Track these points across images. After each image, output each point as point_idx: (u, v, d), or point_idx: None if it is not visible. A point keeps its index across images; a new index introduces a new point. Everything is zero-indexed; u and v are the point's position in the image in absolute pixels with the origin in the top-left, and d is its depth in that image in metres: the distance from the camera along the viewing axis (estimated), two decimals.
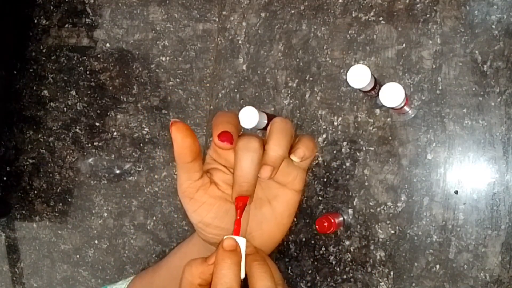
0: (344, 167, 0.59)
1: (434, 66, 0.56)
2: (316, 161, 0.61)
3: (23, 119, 0.80)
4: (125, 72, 0.73)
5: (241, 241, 0.30)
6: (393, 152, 0.57)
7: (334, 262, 0.59)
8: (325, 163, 0.60)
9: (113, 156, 0.74)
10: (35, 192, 0.79)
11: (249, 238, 0.33)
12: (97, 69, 0.75)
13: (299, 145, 0.33)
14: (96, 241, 0.74)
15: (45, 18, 0.79)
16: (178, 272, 0.32)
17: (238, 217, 0.31)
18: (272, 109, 0.63)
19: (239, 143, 0.30)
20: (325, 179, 0.60)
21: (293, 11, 0.63)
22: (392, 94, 0.48)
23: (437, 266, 0.55)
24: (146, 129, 0.72)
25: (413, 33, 0.57)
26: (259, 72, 0.65)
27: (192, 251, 0.40)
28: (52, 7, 0.79)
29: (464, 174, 0.54)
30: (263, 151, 0.30)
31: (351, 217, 0.58)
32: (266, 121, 0.56)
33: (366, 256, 0.58)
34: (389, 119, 0.58)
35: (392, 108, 0.51)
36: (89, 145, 0.75)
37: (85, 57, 0.76)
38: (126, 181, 0.73)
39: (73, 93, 0.77)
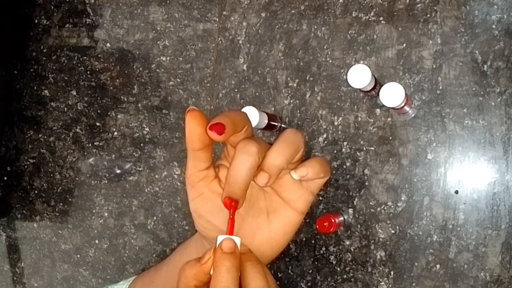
0: (345, 167, 0.59)
1: (434, 66, 0.56)
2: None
3: (24, 119, 0.80)
4: (126, 72, 0.73)
5: (236, 240, 0.30)
6: (394, 152, 0.57)
7: (334, 262, 0.59)
8: None
9: (113, 156, 0.74)
10: (36, 192, 0.79)
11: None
12: (97, 69, 0.75)
13: (304, 164, 0.32)
14: (96, 241, 0.75)
15: (46, 18, 0.79)
16: (178, 270, 0.32)
17: (231, 217, 0.30)
18: (273, 109, 0.64)
19: (238, 144, 0.30)
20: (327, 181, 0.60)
21: (293, 11, 0.63)
22: (392, 94, 0.48)
23: (438, 266, 0.55)
24: (147, 129, 0.72)
25: (413, 33, 0.57)
26: (259, 72, 0.65)
27: (192, 248, 0.40)
28: (52, 7, 0.79)
29: (464, 174, 0.54)
30: (262, 157, 0.30)
31: (351, 217, 0.58)
32: (266, 121, 0.56)
33: (366, 256, 0.58)
34: (389, 119, 0.58)
35: (393, 108, 0.51)
36: (90, 145, 0.75)
37: (85, 57, 0.76)
38: (126, 181, 0.73)
39: (74, 93, 0.77)
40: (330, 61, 0.61)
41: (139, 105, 0.72)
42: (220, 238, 0.30)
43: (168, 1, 0.72)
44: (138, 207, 0.72)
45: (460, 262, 0.54)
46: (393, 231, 0.57)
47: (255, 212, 0.34)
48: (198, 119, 0.28)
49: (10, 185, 0.81)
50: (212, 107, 0.68)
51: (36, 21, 0.80)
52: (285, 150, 0.30)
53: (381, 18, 0.59)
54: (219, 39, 0.68)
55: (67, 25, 0.78)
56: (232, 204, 0.30)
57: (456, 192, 0.55)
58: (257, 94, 0.65)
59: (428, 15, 0.57)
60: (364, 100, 0.59)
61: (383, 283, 0.57)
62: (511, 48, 0.53)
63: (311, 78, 0.62)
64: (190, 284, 0.30)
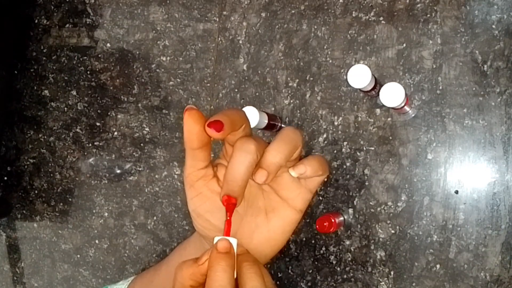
0: (345, 167, 0.59)
1: (434, 66, 0.56)
2: None
3: (24, 119, 0.80)
4: (126, 72, 0.73)
5: (233, 242, 0.30)
6: (394, 152, 0.57)
7: (334, 262, 0.59)
8: None
9: (113, 156, 0.74)
10: (36, 192, 0.79)
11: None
12: (97, 69, 0.75)
13: (303, 162, 0.32)
14: (96, 241, 0.75)
15: (46, 18, 0.79)
16: None
17: (228, 218, 0.30)
18: (273, 109, 0.64)
19: (236, 142, 0.30)
20: (325, 179, 0.60)
21: (293, 11, 0.63)
22: (392, 94, 0.48)
23: (438, 266, 0.55)
24: (147, 129, 0.72)
25: (413, 33, 0.57)
26: (259, 72, 0.65)
27: (191, 248, 0.40)
28: (52, 7, 0.79)
29: (464, 174, 0.54)
30: (260, 155, 0.30)
31: (351, 216, 0.58)
32: (266, 121, 0.56)
33: (366, 256, 0.58)
34: (389, 119, 0.58)
35: (393, 108, 0.51)
36: (90, 145, 0.75)
37: (85, 57, 0.76)
38: (126, 181, 0.73)
39: (74, 93, 0.77)
40: (330, 61, 0.61)
41: (139, 105, 0.72)
42: (216, 239, 0.30)
43: (168, 1, 0.72)
44: (138, 207, 0.72)
45: (460, 262, 0.54)
46: (393, 231, 0.57)
47: (253, 211, 0.34)
48: (196, 118, 0.29)
49: (10, 185, 0.81)
50: (212, 107, 0.68)
51: (36, 21, 0.80)
52: (283, 147, 0.31)
53: (381, 18, 0.59)
54: (219, 39, 0.68)
55: (67, 25, 0.78)
56: (231, 202, 0.30)
57: (456, 192, 0.55)
58: (257, 94, 0.65)
59: (428, 15, 0.57)
60: (364, 100, 0.59)
61: (383, 283, 0.57)
62: (511, 48, 0.53)
63: (311, 78, 0.62)
64: (186, 284, 0.30)
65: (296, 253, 0.61)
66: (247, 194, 0.34)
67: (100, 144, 0.75)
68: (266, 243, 0.34)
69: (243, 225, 0.34)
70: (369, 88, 0.50)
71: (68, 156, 0.77)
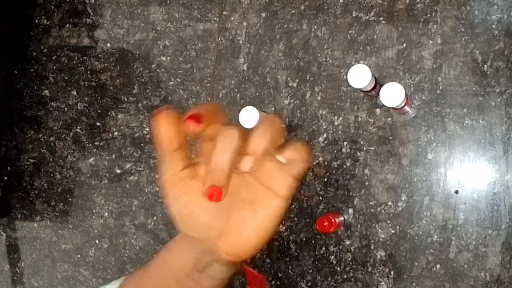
0: (345, 166, 0.59)
1: (434, 66, 0.56)
2: (317, 161, 0.61)
3: (24, 119, 0.80)
4: (126, 72, 0.73)
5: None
6: (394, 152, 0.57)
7: (334, 262, 0.59)
8: (326, 163, 0.60)
9: (113, 156, 0.74)
10: (36, 191, 0.79)
11: (225, 239, 0.33)
12: (97, 69, 0.75)
13: (289, 147, 0.33)
14: (96, 241, 0.75)
15: (46, 18, 0.79)
16: (165, 268, 0.32)
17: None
18: (273, 109, 0.64)
19: (219, 130, 0.31)
20: (325, 179, 0.60)
21: (293, 11, 0.63)
22: (392, 94, 0.48)
23: (438, 266, 0.55)
24: (147, 129, 0.72)
25: (413, 33, 0.57)
26: (259, 72, 0.65)
27: (178, 245, 0.40)
28: (53, 7, 0.79)
29: (464, 174, 0.54)
30: (243, 142, 0.31)
31: (351, 216, 0.58)
32: None
33: (366, 256, 0.58)
34: (389, 119, 0.58)
35: (393, 108, 0.51)
36: (90, 145, 0.75)
37: (85, 57, 0.76)
38: (126, 181, 0.73)
39: (74, 93, 0.77)
40: (330, 61, 0.61)
41: (139, 105, 0.72)
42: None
43: (168, 1, 0.72)
44: (138, 207, 0.72)
45: (460, 262, 0.54)
46: (393, 231, 0.57)
47: (238, 204, 0.34)
48: (172, 119, 0.29)
49: (10, 185, 0.81)
50: None
51: (36, 21, 0.80)
52: (266, 133, 0.31)
53: (381, 18, 0.59)
54: (219, 39, 0.68)
55: (67, 25, 0.78)
56: (216, 193, 0.30)
57: (456, 192, 0.55)
58: (257, 94, 0.65)
59: (428, 15, 0.57)
60: (364, 100, 0.59)
61: (383, 283, 0.57)
62: (511, 48, 0.53)
63: (311, 78, 0.62)
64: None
65: (296, 253, 0.61)
66: (230, 188, 0.34)
67: (100, 144, 0.75)
68: (256, 234, 0.34)
69: (231, 221, 0.34)
70: (369, 88, 0.50)
71: (68, 156, 0.77)
